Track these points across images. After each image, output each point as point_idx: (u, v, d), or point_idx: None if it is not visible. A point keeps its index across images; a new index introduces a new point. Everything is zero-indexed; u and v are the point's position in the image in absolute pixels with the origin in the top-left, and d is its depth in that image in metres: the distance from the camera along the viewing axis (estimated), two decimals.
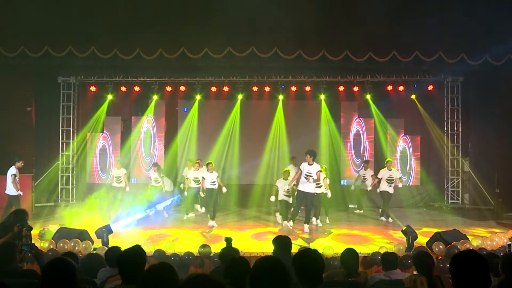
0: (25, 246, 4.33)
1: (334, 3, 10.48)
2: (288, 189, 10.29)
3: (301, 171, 9.66)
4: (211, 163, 10.84)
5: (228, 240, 5.43)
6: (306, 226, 9.82)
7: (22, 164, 10.11)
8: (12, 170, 9.96)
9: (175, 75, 13.36)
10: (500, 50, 10.34)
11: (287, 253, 4.55)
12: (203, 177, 10.71)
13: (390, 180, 11.09)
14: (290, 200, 10.45)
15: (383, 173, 11.21)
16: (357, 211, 12.37)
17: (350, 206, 12.78)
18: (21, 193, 10.10)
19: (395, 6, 10.02)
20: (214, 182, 10.61)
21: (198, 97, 13.75)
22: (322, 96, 13.66)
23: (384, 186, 11.09)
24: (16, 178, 9.97)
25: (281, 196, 10.33)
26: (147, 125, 14.26)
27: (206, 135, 14.05)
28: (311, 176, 9.48)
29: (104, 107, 13.89)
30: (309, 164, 9.61)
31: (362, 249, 7.70)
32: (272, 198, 10.48)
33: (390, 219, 10.95)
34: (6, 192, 9.98)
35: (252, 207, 12.71)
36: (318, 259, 3.11)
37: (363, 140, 14.11)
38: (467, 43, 10.44)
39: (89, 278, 4.08)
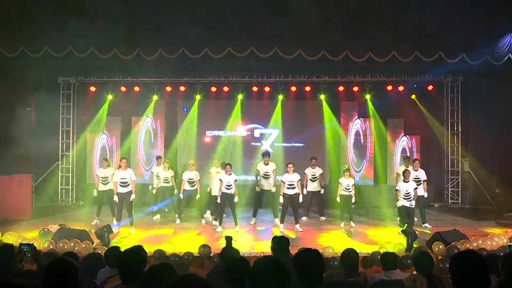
0: (24, 246, 4.33)
1: (334, 3, 10.47)
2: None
3: (259, 171, 10.80)
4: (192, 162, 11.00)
5: (228, 239, 5.38)
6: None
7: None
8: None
9: (175, 75, 13.36)
10: (500, 50, 10.34)
11: (285, 253, 4.55)
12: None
13: (416, 181, 10.11)
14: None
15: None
16: (323, 217, 11.47)
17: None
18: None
19: (395, 6, 10.04)
20: (230, 185, 10.04)
21: (198, 97, 13.77)
22: (322, 96, 13.69)
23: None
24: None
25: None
26: (147, 125, 14.28)
27: (206, 135, 14.12)
28: (268, 175, 10.67)
29: (105, 107, 13.91)
30: (265, 164, 10.72)
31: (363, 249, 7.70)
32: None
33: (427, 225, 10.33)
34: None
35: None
36: (318, 259, 3.12)
37: (363, 140, 14.14)
38: (467, 43, 10.44)
39: (89, 279, 4.08)
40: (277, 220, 10.68)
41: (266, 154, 10.98)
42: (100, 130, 14.15)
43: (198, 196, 10.82)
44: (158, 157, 12.27)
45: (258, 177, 10.88)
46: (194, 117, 14.09)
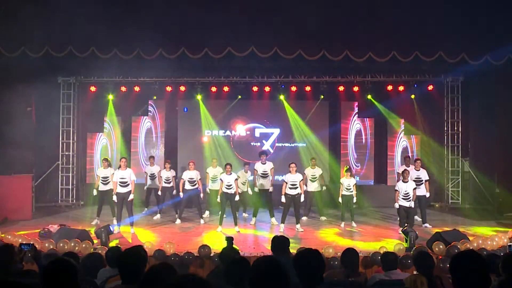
0: (24, 246, 4.34)
1: (334, 3, 10.46)
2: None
3: (257, 171, 10.78)
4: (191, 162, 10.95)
5: (229, 240, 5.39)
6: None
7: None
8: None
9: (175, 75, 13.37)
10: (500, 50, 10.33)
11: (285, 253, 4.55)
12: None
13: (418, 181, 10.18)
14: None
15: (410, 174, 10.13)
16: (323, 217, 11.47)
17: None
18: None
19: (395, 5, 10.03)
20: (230, 185, 10.01)
21: (198, 97, 13.78)
22: (322, 96, 13.70)
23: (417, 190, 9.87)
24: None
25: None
26: (147, 125, 14.29)
27: (206, 135, 14.13)
28: (266, 175, 10.65)
29: (111, 107, 13.95)
30: (262, 163, 10.67)
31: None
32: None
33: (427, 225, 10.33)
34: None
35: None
36: (319, 259, 3.12)
37: (363, 140, 14.14)
38: (467, 43, 10.43)
39: (89, 278, 4.08)
40: (274, 220, 10.71)
41: (263, 153, 11.02)
42: (100, 130, 14.17)
43: (201, 195, 10.86)
44: (151, 157, 12.29)
45: (256, 177, 10.86)
46: (194, 117, 14.11)
